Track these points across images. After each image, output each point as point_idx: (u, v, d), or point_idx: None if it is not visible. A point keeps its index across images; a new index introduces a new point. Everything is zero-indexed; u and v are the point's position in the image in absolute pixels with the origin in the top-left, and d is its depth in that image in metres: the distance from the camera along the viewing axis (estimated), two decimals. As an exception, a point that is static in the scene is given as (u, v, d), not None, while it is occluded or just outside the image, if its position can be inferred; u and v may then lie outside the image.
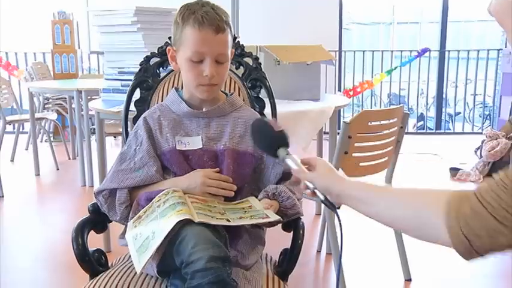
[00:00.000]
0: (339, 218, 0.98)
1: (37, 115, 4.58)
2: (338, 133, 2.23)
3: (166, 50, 1.34)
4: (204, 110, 1.31)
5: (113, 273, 1.20)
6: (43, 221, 3.24)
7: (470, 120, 6.96)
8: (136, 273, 1.08)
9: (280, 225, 1.28)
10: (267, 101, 1.54)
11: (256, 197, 1.26)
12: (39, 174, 4.19)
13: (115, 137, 4.83)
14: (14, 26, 8.62)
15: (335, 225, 2.07)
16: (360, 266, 2.44)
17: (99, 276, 1.20)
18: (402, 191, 0.93)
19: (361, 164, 2.01)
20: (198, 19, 1.18)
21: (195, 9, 1.20)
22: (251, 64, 1.53)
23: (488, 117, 6.47)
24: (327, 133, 2.79)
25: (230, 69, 1.53)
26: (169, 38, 1.37)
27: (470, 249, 0.77)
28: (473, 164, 4.08)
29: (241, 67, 1.54)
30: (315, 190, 1.00)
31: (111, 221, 1.31)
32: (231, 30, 1.25)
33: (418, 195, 0.89)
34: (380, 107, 7.52)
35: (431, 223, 0.82)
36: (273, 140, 1.09)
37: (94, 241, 1.33)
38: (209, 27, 1.18)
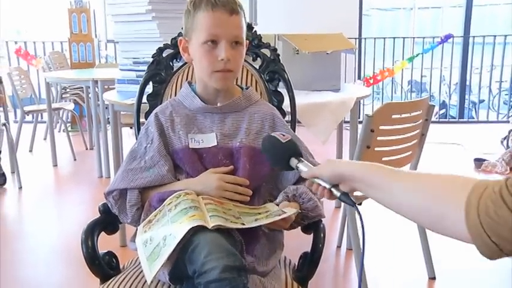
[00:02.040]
0: (359, 214, 0.90)
1: (54, 105, 4.57)
2: (359, 122, 2.14)
3: (178, 41, 1.27)
4: (218, 105, 1.24)
5: (124, 278, 1.15)
6: (60, 213, 3.23)
7: (494, 108, 6.75)
8: (147, 279, 1.02)
9: (299, 227, 1.22)
10: (284, 92, 1.46)
11: (276, 197, 1.20)
12: (56, 165, 4.18)
13: (131, 127, 4.79)
14: (32, 16, 8.65)
15: (356, 220, 1.99)
16: (382, 263, 2.37)
17: (110, 281, 1.15)
18: (422, 176, 0.80)
19: (383, 159, 1.92)
20: (211, 1, 1.13)
21: None
22: (269, 56, 1.45)
23: (514, 104, 6.26)
24: (348, 122, 2.70)
25: (247, 61, 1.45)
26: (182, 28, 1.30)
27: (494, 248, 0.67)
28: (499, 154, 3.94)
29: (258, 59, 1.46)
30: (331, 188, 0.92)
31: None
32: (244, 16, 1.19)
33: (439, 181, 0.77)
34: (401, 94, 7.36)
35: (451, 217, 0.72)
36: (280, 151, 1.03)
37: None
38: (223, 8, 1.13)
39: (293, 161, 1.01)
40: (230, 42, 1.15)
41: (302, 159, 1.01)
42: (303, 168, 0.98)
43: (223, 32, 1.14)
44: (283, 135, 1.05)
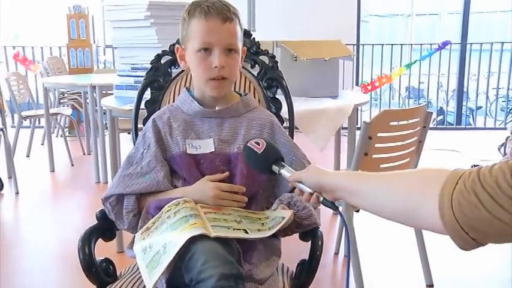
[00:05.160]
0: (342, 216, 0.97)
1: (52, 110, 4.57)
2: (357, 128, 2.14)
3: (175, 49, 1.27)
4: (216, 108, 1.24)
5: (121, 286, 1.14)
6: (57, 219, 3.22)
7: (492, 115, 6.76)
8: (145, 286, 1.02)
9: (297, 234, 1.21)
10: (282, 98, 1.46)
11: (272, 204, 1.20)
12: (54, 170, 4.17)
13: (129, 132, 4.79)
14: (31, 21, 8.65)
15: (353, 227, 1.99)
16: (380, 270, 2.36)
17: (107, 288, 1.15)
18: (397, 175, 0.83)
19: (381, 166, 1.92)
20: (204, 9, 1.15)
21: (201, 2, 1.17)
22: (267, 63, 1.45)
23: (511, 111, 6.28)
24: (346, 128, 2.70)
25: (245, 68, 1.46)
26: (181, 36, 1.30)
27: (471, 242, 0.68)
28: (496, 161, 3.94)
29: (256, 66, 1.46)
30: (315, 193, 0.94)
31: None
32: (240, 23, 1.20)
33: (413, 177, 0.79)
34: (398, 101, 7.38)
35: (425, 213, 0.72)
36: (260, 161, 1.05)
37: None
38: (216, 16, 1.14)
39: (275, 168, 1.03)
40: (224, 49, 1.16)
41: (284, 164, 1.03)
42: (286, 173, 1.01)
43: (216, 39, 1.15)
44: (258, 144, 1.06)
